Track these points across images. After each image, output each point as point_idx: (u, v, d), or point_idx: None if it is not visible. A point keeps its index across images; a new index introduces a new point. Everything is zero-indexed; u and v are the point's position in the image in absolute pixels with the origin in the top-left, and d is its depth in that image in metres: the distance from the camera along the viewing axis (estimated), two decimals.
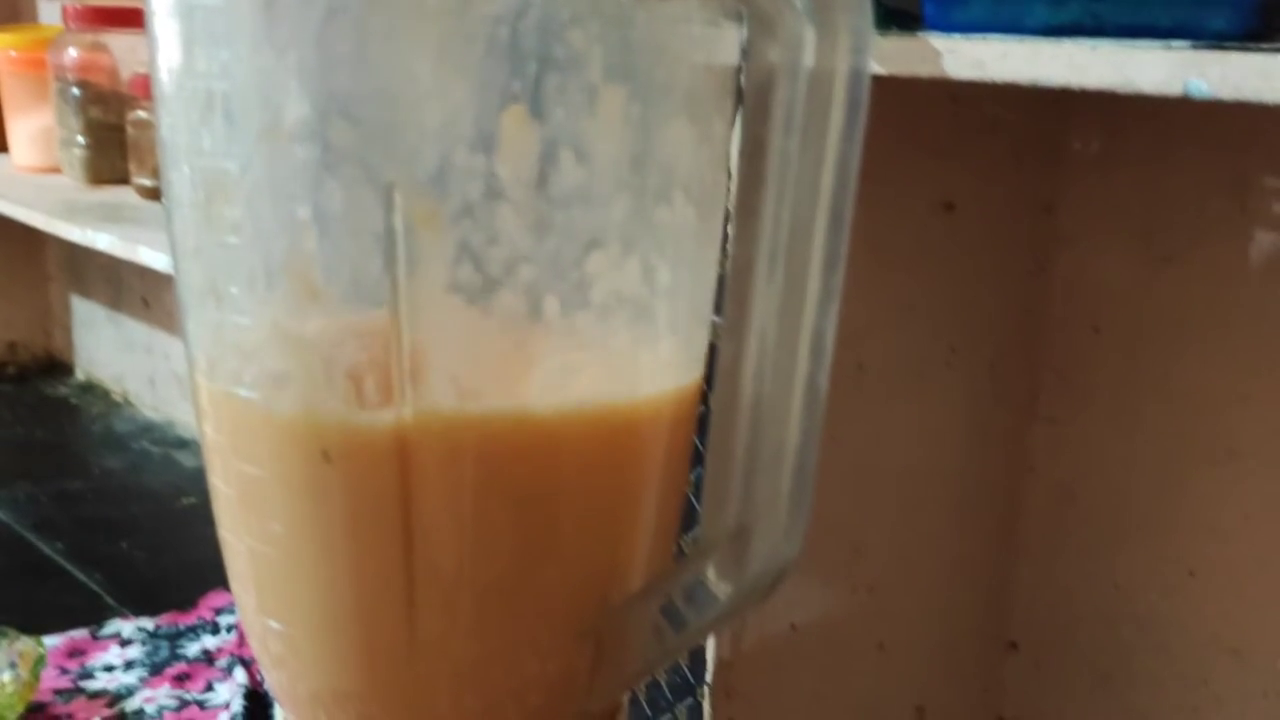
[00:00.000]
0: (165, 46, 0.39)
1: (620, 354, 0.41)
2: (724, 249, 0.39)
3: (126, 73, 1.50)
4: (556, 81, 0.37)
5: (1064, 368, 0.85)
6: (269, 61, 0.37)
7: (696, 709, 0.75)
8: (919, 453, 0.81)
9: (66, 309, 1.95)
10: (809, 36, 0.34)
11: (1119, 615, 0.85)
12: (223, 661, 1.04)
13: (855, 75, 0.34)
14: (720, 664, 0.74)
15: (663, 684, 0.77)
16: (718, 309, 0.42)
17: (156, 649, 1.07)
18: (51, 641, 1.05)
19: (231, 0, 0.37)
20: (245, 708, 0.93)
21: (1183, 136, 0.77)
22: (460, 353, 0.39)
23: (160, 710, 0.97)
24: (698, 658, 0.74)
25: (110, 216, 1.33)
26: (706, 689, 0.74)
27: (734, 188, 0.37)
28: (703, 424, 0.40)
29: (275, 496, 0.41)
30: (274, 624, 0.43)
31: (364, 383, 0.38)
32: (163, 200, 0.41)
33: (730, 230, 0.37)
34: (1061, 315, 0.84)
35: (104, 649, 1.06)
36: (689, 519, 0.43)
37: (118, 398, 1.84)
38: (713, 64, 0.40)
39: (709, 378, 0.40)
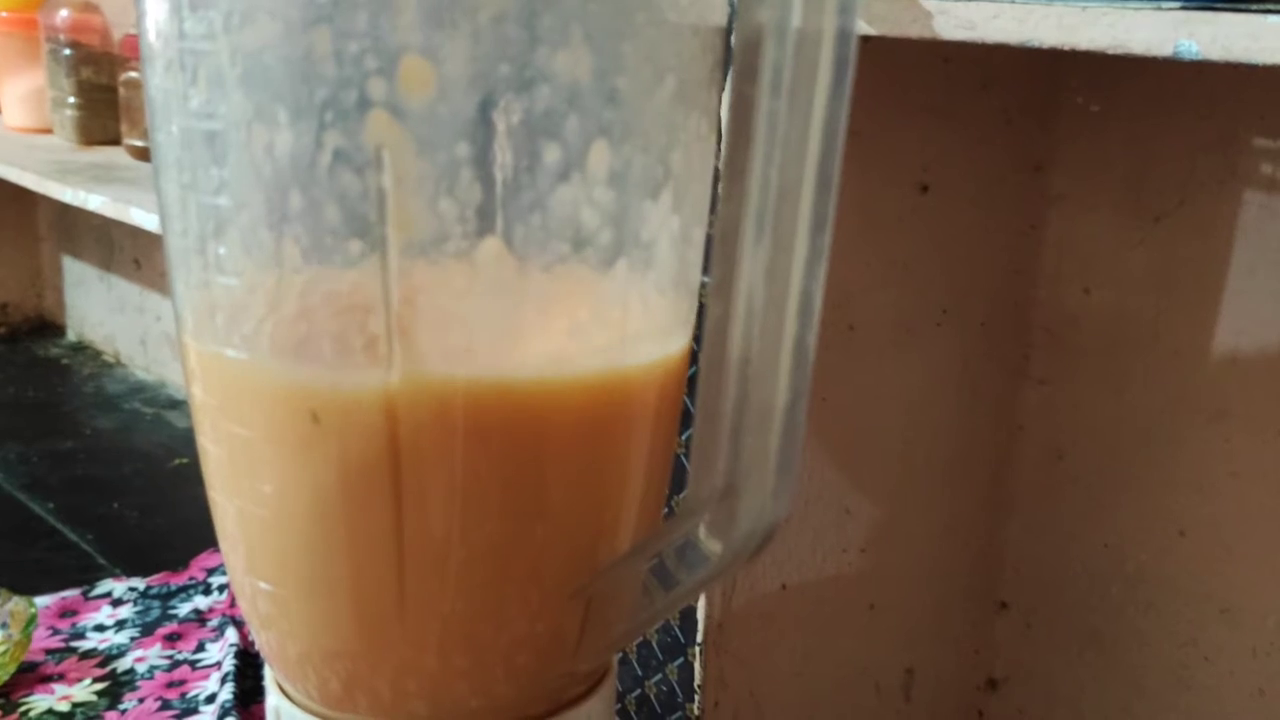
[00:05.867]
0: (152, 8, 0.38)
1: (610, 317, 0.41)
2: (712, 210, 0.39)
3: (118, 33, 1.50)
4: (545, 51, 0.36)
5: (1055, 327, 0.85)
6: (255, 22, 0.37)
7: (687, 668, 0.76)
8: (910, 413, 0.81)
9: (58, 269, 1.94)
10: None
11: (1109, 575, 0.85)
12: (214, 621, 1.04)
13: (842, 35, 0.34)
14: (711, 624, 0.74)
15: (654, 644, 0.78)
16: (706, 269, 0.42)
17: (148, 609, 1.07)
18: (43, 601, 1.05)
19: None
20: (236, 667, 0.93)
21: (1173, 97, 0.77)
22: (448, 315, 0.39)
23: (152, 670, 0.97)
24: (689, 618, 0.75)
25: (102, 177, 1.32)
26: (698, 649, 0.75)
27: (722, 148, 0.37)
28: (692, 384, 0.40)
29: (264, 457, 0.41)
30: (263, 584, 0.43)
31: (352, 343, 0.38)
32: (151, 160, 0.41)
33: (719, 190, 0.37)
34: (1052, 275, 0.84)
35: (95, 609, 1.06)
36: (679, 479, 0.43)
37: (109, 358, 1.84)
38: (702, 25, 0.40)
39: (698, 338, 0.40)
